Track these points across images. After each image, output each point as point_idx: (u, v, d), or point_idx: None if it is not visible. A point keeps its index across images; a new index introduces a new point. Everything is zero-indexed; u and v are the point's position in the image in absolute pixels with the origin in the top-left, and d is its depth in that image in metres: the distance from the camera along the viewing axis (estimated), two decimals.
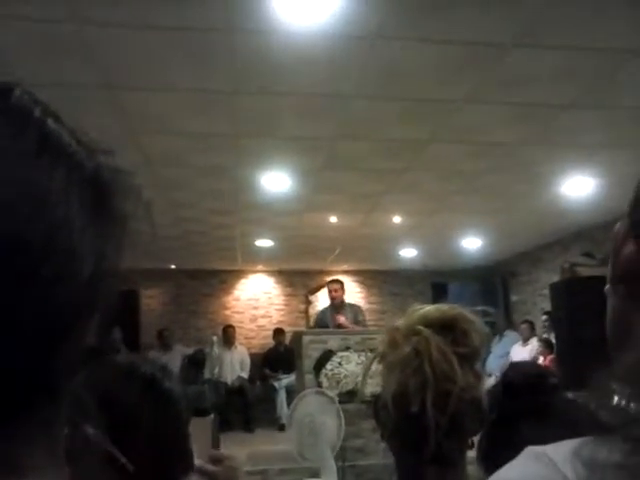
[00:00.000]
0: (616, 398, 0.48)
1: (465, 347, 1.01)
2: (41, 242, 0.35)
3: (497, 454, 0.56)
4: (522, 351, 8.17)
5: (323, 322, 6.60)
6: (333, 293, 6.68)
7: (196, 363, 8.64)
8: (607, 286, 0.59)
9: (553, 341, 7.62)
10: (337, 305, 6.63)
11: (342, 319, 6.40)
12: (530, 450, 0.52)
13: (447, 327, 1.02)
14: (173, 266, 10.27)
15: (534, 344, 8.03)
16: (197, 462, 1.28)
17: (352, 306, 6.84)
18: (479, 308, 1.06)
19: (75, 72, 3.73)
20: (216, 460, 1.36)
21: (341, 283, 6.85)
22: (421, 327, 1.01)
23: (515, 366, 1.56)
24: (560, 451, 0.49)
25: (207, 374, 8.54)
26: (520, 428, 1.16)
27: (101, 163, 0.43)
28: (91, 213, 0.40)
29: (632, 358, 0.52)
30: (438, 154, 5.29)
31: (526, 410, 1.24)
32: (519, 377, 1.36)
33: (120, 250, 0.43)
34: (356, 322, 6.48)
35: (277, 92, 4.08)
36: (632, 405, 0.46)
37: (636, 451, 0.43)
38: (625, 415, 0.46)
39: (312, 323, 7.09)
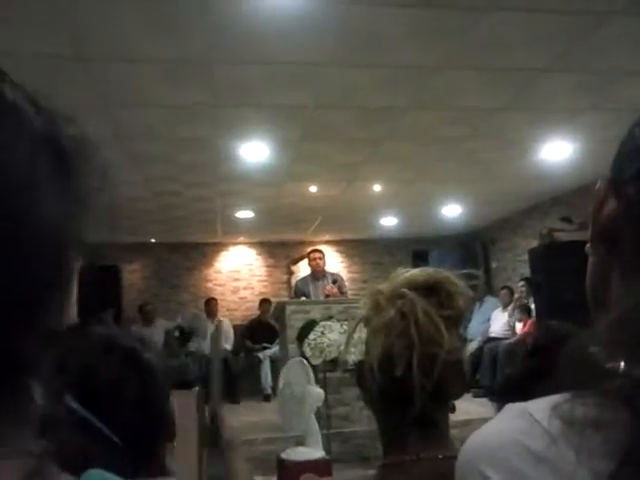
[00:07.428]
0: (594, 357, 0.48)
1: (450, 310, 1.00)
2: None
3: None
4: (502, 317, 8.28)
5: (301, 291, 6.61)
6: (317, 261, 6.70)
7: (185, 335, 8.65)
8: (588, 244, 0.59)
9: (530, 306, 7.74)
10: (318, 274, 6.66)
11: (330, 289, 6.43)
12: (511, 407, 0.53)
13: (432, 290, 1.02)
14: (153, 240, 10.18)
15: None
16: None
17: (332, 275, 6.87)
18: (464, 271, 1.06)
19: (45, 43, 3.63)
20: None
21: (322, 252, 6.91)
22: (406, 290, 1.01)
23: (547, 327, 1.60)
24: (540, 407, 0.49)
25: (193, 347, 8.55)
26: (546, 385, 1.18)
27: (57, 124, 0.39)
28: (49, 172, 0.37)
29: (610, 316, 0.52)
30: (416, 122, 5.26)
31: (553, 368, 1.26)
32: (549, 337, 1.38)
33: (86, 215, 0.39)
34: (341, 292, 6.52)
35: (252, 60, 4.01)
36: (609, 363, 0.47)
37: (611, 406, 0.44)
38: (601, 372, 0.46)
39: (292, 293, 7.13)
